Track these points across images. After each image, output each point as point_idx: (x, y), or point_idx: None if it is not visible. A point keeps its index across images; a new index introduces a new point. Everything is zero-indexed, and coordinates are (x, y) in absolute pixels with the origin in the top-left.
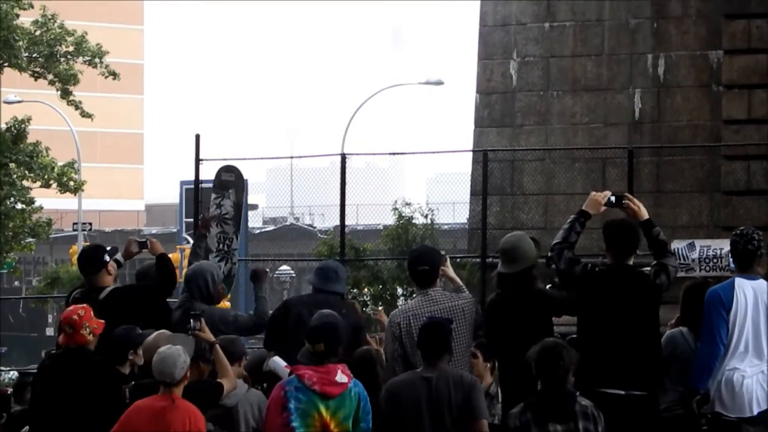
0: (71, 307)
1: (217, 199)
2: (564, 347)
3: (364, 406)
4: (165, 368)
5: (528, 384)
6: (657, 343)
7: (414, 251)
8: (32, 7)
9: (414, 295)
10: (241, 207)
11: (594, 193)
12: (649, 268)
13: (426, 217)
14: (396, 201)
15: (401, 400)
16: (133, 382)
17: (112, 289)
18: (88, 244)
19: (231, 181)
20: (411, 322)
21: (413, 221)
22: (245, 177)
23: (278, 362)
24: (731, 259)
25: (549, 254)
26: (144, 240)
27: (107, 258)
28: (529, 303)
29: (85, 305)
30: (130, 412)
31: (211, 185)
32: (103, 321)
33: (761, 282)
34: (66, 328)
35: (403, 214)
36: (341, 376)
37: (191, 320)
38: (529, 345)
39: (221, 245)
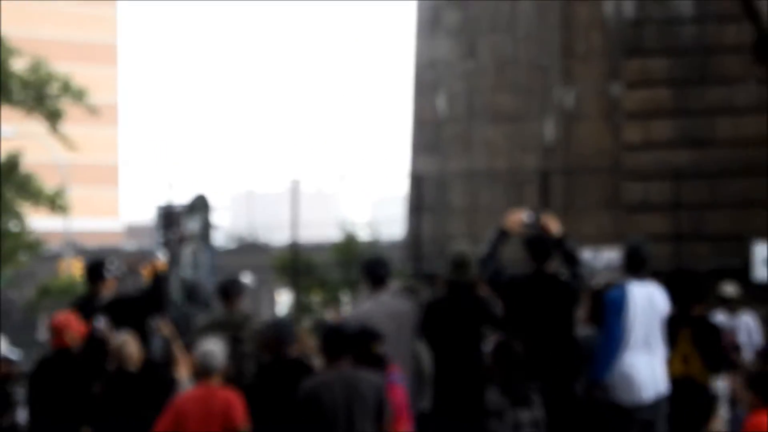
0: (58, 316)
1: (188, 222)
2: (516, 342)
3: None
4: (207, 359)
5: (461, 378)
6: (573, 340)
7: (372, 259)
8: (21, 55)
9: (366, 299)
10: (208, 227)
11: (513, 213)
12: (565, 275)
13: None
14: (342, 220)
15: (319, 398)
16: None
17: (112, 298)
18: (75, 261)
19: (198, 205)
20: (365, 323)
21: (356, 238)
22: (210, 201)
23: None
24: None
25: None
26: (145, 259)
27: (109, 272)
28: (471, 307)
29: (69, 314)
30: (176, 402)
31: (182, 209)
32: (85, 326)
33: (650, 285)
34: (53, 333)
35: (350, 232)
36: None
37: (154, 319)
38: (464, 345)
39: (192, 258)
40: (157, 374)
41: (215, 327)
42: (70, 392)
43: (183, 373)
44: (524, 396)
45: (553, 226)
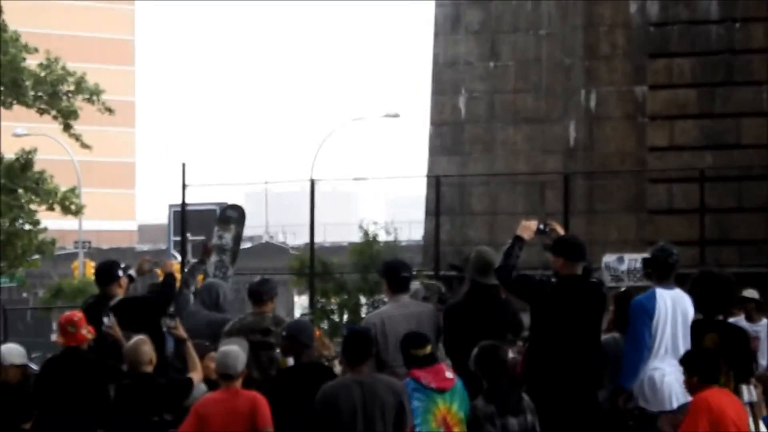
0: (68, 312)
1: (219, 231)
2: (501, 348)
3: (466, 397)
4: (229, 362)
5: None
6: (600, 345)
7: (394, 261)
8: (37, 51)
9: (386, 301)
10: (239, 241)
11: (524, 221)
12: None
13: (390, 234)
14: (362, 220)
15: (337, 402)
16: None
17: (121, 298)
18: (88, 261)
19: (234, 217)
20: (385, 323)
21: (377, 239)
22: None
23: None
24: (645, 271)
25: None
26: (157, 260)
27: (120, 273)
28: (494, 311)
29: (79, 312)
30: (199, 406)
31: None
32: (94, 327)
33: (677, 291)
34: (69, 328)
35: (369, 232)
36: (449, 373)
37: (167, 319)
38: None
39: (217, 272)
40: (171, 376)
41: (243, 332)
42: (83, 392)
43: (195, 375)
44: (513, 403)
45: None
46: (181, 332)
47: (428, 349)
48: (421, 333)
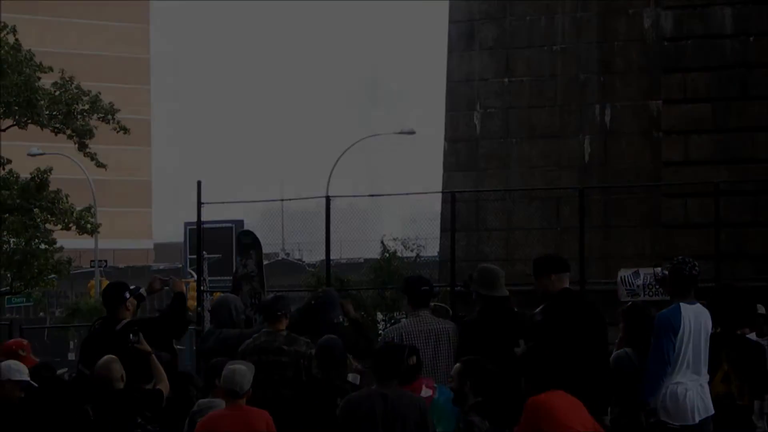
0: (15, 340)
1: (242, 260)
2: (483, 361)
3: (448, 412)
4: (237, 379)
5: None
6: (605, 354)
7: (414, 276)
8: (52, 71)
9: (406, 316)
10: (262, 265)
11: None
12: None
13: (411, 250)
14: (384, 236)
15: (357, 411)
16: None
17: (128, 321)
18: (105, 280)
19: (250, 243)
20: (403, 338)
21: (396, 254)
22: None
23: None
24: (659, 285)
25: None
26: (167, 278)
27: (127, 295)
28: (511, 324)
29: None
30: (205, 422)
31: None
32: (36, 360)
33: (699, 307)
34: (20, 352)
35: (389, 249)
36: (425, 391)
37: (131, 335)
38: (505, 363)
39: (253, 299)
40: (142, 390)
41: (256, 352)
42: (64, 413)
43: (162, 387)
44: (506, 416)
45: None
46: (145, 346)
47: (412, 360)
48: (410, 346)
